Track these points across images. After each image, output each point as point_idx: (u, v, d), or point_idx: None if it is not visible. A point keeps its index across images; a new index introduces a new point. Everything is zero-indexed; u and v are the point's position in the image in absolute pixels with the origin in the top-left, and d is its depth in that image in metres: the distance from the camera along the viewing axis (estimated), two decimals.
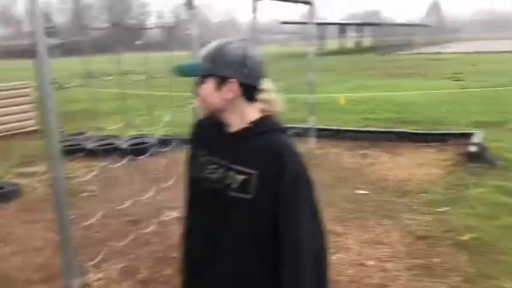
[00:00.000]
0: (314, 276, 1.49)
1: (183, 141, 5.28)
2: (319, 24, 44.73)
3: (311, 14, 6.80)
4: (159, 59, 4.94)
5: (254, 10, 5.47)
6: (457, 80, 16.13)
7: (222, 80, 1.48)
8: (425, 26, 55.20)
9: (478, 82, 15.27)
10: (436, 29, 51.02)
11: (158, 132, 7.24)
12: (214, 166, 1.55)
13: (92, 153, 7.57)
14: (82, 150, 7.92)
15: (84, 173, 6.45)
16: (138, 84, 5.90)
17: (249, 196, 1.49)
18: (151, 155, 7.16)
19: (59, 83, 3.40)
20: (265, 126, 1.55)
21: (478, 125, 8.61)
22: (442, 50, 35.06)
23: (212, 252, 1.57)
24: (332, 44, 49.58)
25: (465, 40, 52.62)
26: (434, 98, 12.17)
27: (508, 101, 11.32)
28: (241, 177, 1.50)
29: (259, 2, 5.49)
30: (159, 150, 7.13)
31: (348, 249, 4.07)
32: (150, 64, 5.40)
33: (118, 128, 8.94)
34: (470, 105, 10.95)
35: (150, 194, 4.86)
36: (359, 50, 46.15)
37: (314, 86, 7.36)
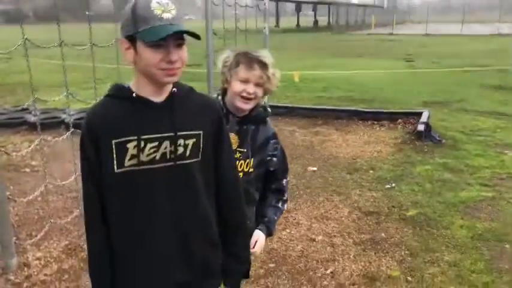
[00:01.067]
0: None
1: None
2: (275, 0, 44.54)
3: None
4: (110, 30, 4.70)
5: None
6: (408, 61, 16.53)
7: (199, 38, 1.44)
8: (380, 7, 56.10)
9: (427, 63, 15.70)
10: (388, 11, 51.99)
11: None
12: (154, 144, 1.42)
13: (34, 127, 7.21)
14: (24, 123, 7.54)
15: (26, 147, 6.13)
16: (83, 57, 5.60)
17: (199, 158, 1.49)
18: None
19: None
20: (184, 87, 1.54)
21: (426, 104, 8.86)
22: (394, 32, 35.77)
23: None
24: (287, 21, 49.47)
25: (416, 22, 53.89)
26: (386, 78, 12.40)
27: (455, 82, 11.70)
28: (191, 141, 1.46)
29: None
30: None
31: (297, 224, 4.09)
32: (100, 36, 5.13)
33: (62, 101, 8.58)
34: (420, 85, 11.24)
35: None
36: (315, 28, 46.38)
37: None
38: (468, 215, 4.22)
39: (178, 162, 1.46)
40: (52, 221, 3.94)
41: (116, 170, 1.42)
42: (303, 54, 19.69)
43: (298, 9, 52.76)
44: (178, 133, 1.44)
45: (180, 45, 1.39)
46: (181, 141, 1.45)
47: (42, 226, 3.96)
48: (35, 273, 3.35)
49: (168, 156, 1.44)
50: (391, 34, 34.11)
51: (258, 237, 2.03)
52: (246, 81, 1.92)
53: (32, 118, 7.58)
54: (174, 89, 1.47)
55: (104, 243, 1.50)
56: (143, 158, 1.42)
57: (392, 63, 16.11)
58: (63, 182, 4.38)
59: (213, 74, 5.73)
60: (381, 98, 9.64)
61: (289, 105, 8.47)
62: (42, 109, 7.91)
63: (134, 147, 1.41)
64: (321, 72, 13.40)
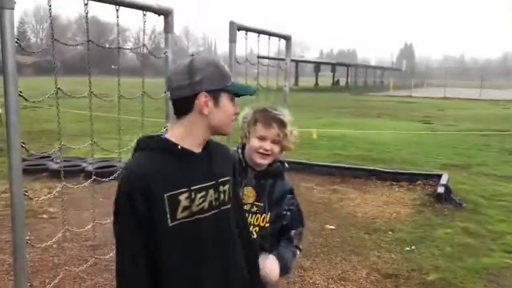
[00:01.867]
0: None
1: None
2: (295, 61, 45.80)
3: (288, 49, 6.88)
4: (133, 83, 4.87)
5: (232, 40, 5.49)
6: (426, 123, 16.57)
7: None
8: (398, 69, 57.07)
9: (445, 126, 15.71)
10: (406, 73, 52.80)
11: (126, 156, 7.09)
12: (203, 193, 1.49)
13: (55, 174, 7.33)
14: (46, 170, 7.67)
15: (45, 194, 6.21)
16: (106, 108, 5.76)
17: (230, 204, 1.60)
18: (117, 178, 6.99)
19: (24, 97, 3.28)
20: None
21: (445, 167, 8.78)
22: (412, 94, 36.11)
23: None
24: (306, 81, 50.46)
25: (434, 86, 54.44)
26: (404, 138, 12.41)
27: (473, 145, 11.64)
28: (226, 187, 1.57)
29: (238, 32, 5.52)
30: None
31: (314, 284, 3.99)
32: (124, 89, 5.31)
33: (83, 151, 8.75)
34: (438, 147, 11.20)
35: (110, 219, 4.68)
36: (333, 88, 47.15)
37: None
38: (492, 283, 4.07)
39: (222, 208, 1.55)
40: (67, 268, 3.91)
41: (169, 224, 1.44)
42: (321, 112, 19.93)
43: (317, 70, 53.95)
44: (219, 180, 1.54)
45: None
46: (221, 188, 1.54)
47: (56, 273, 3.93)
48: None
49: (214, 204, 1.52)
50: (410, 96, 34.42)
51: (272, 263, 1.92)
52: (263, 138, 1.99)
53: (53, 165, 7.73)
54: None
55: None
56: (194, 208, 1.47)
57: (411, 124, 16.17)
58: (81, 230, 4.38)
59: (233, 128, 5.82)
60: (399, 159, 9.60)
61: (307, 161, 8.49)
62: (64, 157, 8.06)
63: (186, 198, 1.45)
64: (338, 130, 13.50)
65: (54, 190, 4.54)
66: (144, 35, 4.19)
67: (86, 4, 3.10)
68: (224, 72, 1.52)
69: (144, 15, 4.14)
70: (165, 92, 4.58)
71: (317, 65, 53.81)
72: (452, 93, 36.31)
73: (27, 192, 3.44)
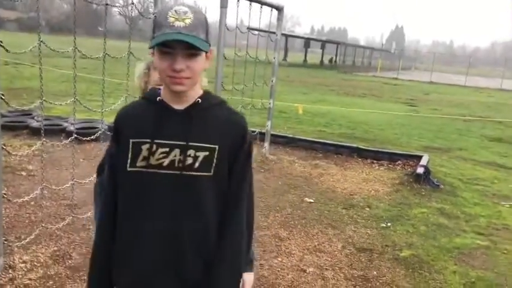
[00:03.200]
0: (245, 248, 1.58)
1: None
2: (285, 35, 45.31)
3: (280, 20, 6.79)
4: (120, 47, 4.77)
5: (223, 5, 5.39)
6: (411, 106, 16.70)
7: (206, 50, 1.42)
8: (387, 51, 57.04)
9: (429, 110, 15.85)
10: (395, 55, 52.81)
11: (109, 118, 6.98)
12: (165, 149, 1.44)
13: (36, 132, 7.22)
14: (26, 127, 7.55)
15: (25, 151, 6.12)
16: (89, 69, 5.64)
17: (210, 173, 1.47)
18: (97, 139, 6.92)
19: (5, 48, 3.19)
20: (214, 99, 1.54)
21: (426, 149, 8.89)
22: (399, 76, 36.26)
23: (177, 245, 1.47)
24: (295, 57, 50.16)
25: (422, 69, 54.65)
26: (387, 119, 12.50)
27: (455, 130, 11.79)
28: (202, 153, 1.45)
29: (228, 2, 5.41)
30: (107, 136, 6.88)
31: (289, 254, 4.04)
32: (111, 51, 5.20)
33: (65, 110, 8.61)
34: (421, 130, 11.32)
35: (92, 179, 4.65)
36: (322, 66, 46.99)
37: (274, 92, 7.35)
38: (462, 262, 4.18)
39: (184, 173, 1.45)
40: (43, 225, 3.89)
41: (128, 168, 1.46)
42: (308, 89, 19.91)
43: (306, 46, 53.59)
44: (190, 143, 1.44)
45: (191, 55, 1.39)
46: (191, 152, 1.44)
47: (32, 230, 3.91)
48: (20, 276, 3.29)
49: (176, 165, 1.44)
50: (396, 78, 34.55)
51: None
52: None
53: (34, 123, 7.60)
54: (198, 99, 1.48)
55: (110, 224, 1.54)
56: (152, 161, 1.44)
57: (395, 106, 16.28)
58: (59, 187, 4.35)
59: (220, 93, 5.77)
60: (382, 138, 9.69)
61: (290, 135, 8.51)
62: (45, 116, 7.92)
63: (147, 149, 1.44)
64: (324, 107, 13.52)
65: (34, 148, 4.48)
66: None
67: None
68: (155, 23, 1.39)
69: None
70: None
71: (307, 41, 53.41)
72: (438, 78, 36.57)
73: (5, 146, 3.39)
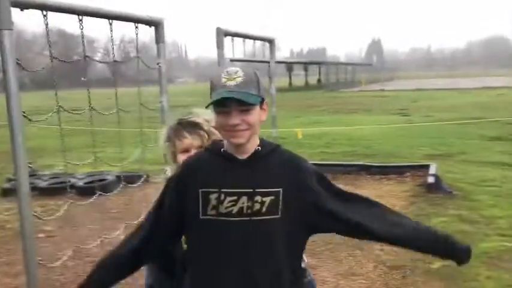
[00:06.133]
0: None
1: (140, 178, 5.13)
2: (266, 62, 45.80)
3: (272, 51, 6.94)
4: (109, 95, 4.83)
5: (220, 46, 5.52)
6: (404, 115, 16.91)
7: (261, 104, 1.55)
8: (368, 64, 57.96)
9: (423, 117, 16.06)
10: (377, 68, 53.64)
11: (114, 169, 7.00)
12: (233, 198, 1.52)
13: (44, 192, 7.22)
14: (34, 189, 7.53)
15: (38, 212, 6.10)
16: (85, 121, 5.65)
17: (278, 215, 1.54)
18: (108, 192, 6.93)
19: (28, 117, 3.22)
20: (270, 145, 1.64)
21: (429, 157, 8.99)
22: (385, 88, 36.75)
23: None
24: (279, 82, 50.62)
25: (403, 78, 55.45)
26: (385, 132, 12.64)
27: (452, 134, 11.93)
28: (268, 198, 1.53)
29: (225, 38, 5.55)
30: (117, 187, 6.89)
31: (324, 281, 4.04)
32: (100, 100, 5.25)
33: (70, 165, 8.60)
34: (419, 138, 11.45)
35: (118, 232, 4.65)
36: (307, 87, 47.52)
37: (276, 120, 7.44)
38: (493, 266, 4.20)
39: (253, 218, 1.53)
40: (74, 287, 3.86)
41: (200, 217, 1.55)
42: (299, 111, 20.10)
43: (290, 70, 54.29)
44: (256, 190, 1.52)
45: (245, 110, 1.50)
46: (258, 198, 1.52)
47: None
48: None
49: (244, 211, 1.52)
50: (383, 90, 35.00)
51: None
52: (185, 151, 1.91)
53: (41, 183, 7.59)
54: (258, 147, 1.58)
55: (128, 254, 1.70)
56: (222, 209, 1.52)
57: (389, 117, 16.46)
58: (89, 246, 4.33)
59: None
60: (384, 153, 9.78)
61: None
62: (52, 174, 7.94)
63: (215, 198, 1.52)
64: (320, 128, 13.65)
65: (46, 208, 4.49)
66: (137, 46, 4.18)
67: (45, 16, 2.98)
68: (212, 85, 1.53)
69: (136, 27, 4.13)
70: (160, 102, 4.58)
71: (289, 65, 54.14)
72: (423, 84, 37.12)
73: (35, 212, 3.40)
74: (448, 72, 40.17)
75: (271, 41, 6.87)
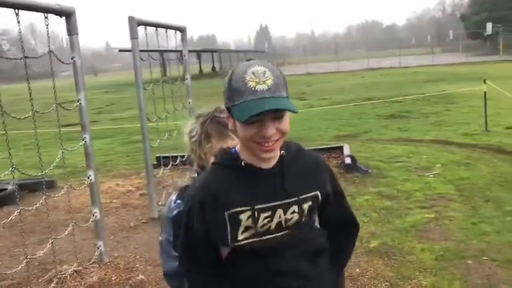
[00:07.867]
0: None
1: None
2: (161, 51, 44.59)
3: (185, 41, 6.68)
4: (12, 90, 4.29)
5: (134, 36, 5.15)
6: (303, 100, 17.49)
7: (296, 111, 1.33)
8: (261, 51, 59.08)
9: (320, 100, 16.73)
10: (269, 54, 54.93)
11: (8, 177, 6.27)
12: (268, 213, 1.33)
13: None
14: None
15: None
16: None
17: (316, 220, 1.45)
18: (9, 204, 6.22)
19: None
20: (292, 145, 1.48)
21: (338, 138, 9.38)
22: None
23: None
24: (174, 71, 49.50)
25: (294, 63, 57.46)
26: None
27: (351, 115, 12.60)
28: (306, 205, 1.38)
29: (138, 27, 5.19)
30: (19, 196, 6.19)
31: None
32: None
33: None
34: (324, 121, 11.91)
35: (31, 249, 4.15)
36: (200, 75, 47.18)
37: (193, 112, 7.19)
38: (423, 238, 4.46)
39: (294, 229, 1.37)
40: None
41: (231, 245, 1.33)
42: (202, 101, 19.81)
43: (199, 58, 53.32)
44: (292, 199, 1.35)
45: (279, 117, 1.30)
46: (294, 208, 1.35)
47: None
48: None
49: (283, 225, 1.35)
50: None
51: None
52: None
53: None
54: (282, 151, 1.38)
55: None
56: (258, 229, 1.32)
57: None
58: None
59: (147, 128, 5.51)
60: (295, 138, 10.00)
61: None
62: None
63: (248, 218, 1.31)
64: None
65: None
66: (48, 38, 3.71)
67: None
68: (232, 89, 1.28)
69: (46, 17, 3.67)
70: (78, 101, 4.13)
71: (199, 53, 53.14)
72: (312, 69, 38.77)
73: None
74: (333, 56, 42.32)
75: (182, 30, 6.60)
